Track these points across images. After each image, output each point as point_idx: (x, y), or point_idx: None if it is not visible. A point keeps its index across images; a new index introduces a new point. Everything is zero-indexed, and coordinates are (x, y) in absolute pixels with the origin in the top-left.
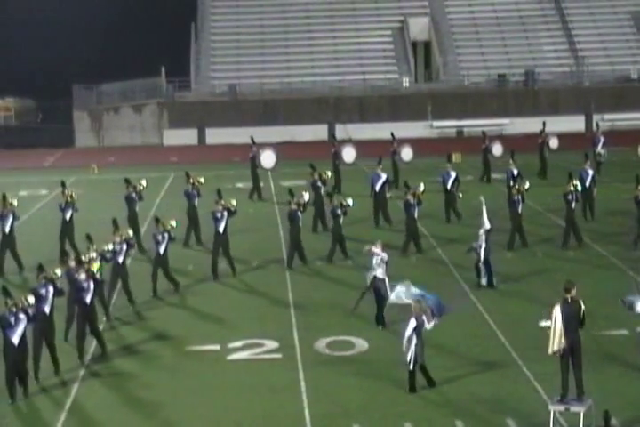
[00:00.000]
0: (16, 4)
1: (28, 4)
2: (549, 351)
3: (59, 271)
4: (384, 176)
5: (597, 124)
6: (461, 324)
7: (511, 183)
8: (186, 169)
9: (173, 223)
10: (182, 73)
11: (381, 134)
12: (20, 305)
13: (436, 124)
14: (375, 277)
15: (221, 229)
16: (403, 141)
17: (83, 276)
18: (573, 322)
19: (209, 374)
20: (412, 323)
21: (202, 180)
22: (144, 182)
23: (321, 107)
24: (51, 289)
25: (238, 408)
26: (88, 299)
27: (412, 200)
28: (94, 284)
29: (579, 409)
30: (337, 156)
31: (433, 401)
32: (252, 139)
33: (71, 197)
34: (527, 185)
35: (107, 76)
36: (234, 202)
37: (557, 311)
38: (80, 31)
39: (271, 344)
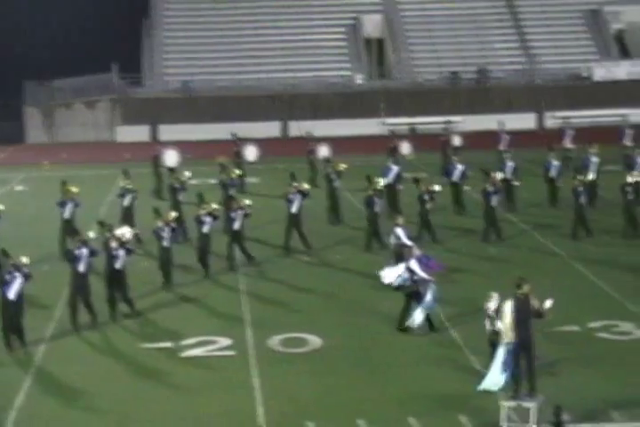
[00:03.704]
0: None
1: None
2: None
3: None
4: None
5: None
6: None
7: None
8: (136, 166)
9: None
10: (135, 69)
11: (335, 131)
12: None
13: (389, 121)
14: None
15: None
16: (320, 140)
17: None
18: (525, 318)
19: (162, 371)
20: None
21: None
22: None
23: (274, 104)
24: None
25: (192, 406)
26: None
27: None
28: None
29: (530, 405)
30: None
31: (386, 398)
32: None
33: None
34: (437, 187)
35: (59, 72)
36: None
37: (508, 307)
38: (32, 27)
39: (225, 341)
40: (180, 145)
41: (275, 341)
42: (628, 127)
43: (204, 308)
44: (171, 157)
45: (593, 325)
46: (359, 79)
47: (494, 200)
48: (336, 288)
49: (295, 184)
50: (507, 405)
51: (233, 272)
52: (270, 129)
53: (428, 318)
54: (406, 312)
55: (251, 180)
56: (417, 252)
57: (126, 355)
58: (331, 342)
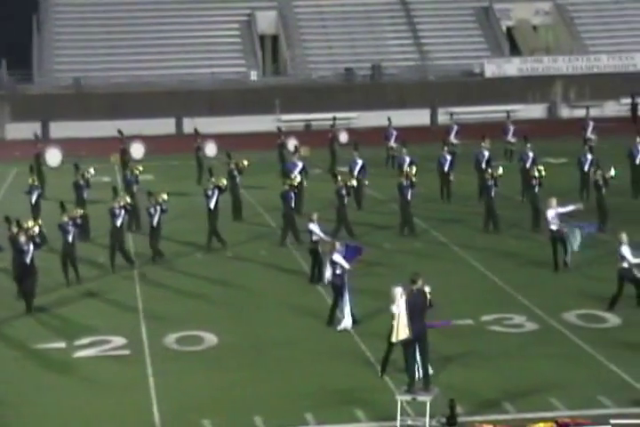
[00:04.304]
0: None
1: None
2: (393, 340)
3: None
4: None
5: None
6: (312, 316)
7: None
8: (28, 163)
9: (165, 197)
10: (25, 65)
11: (230, 128)
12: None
13: (285, 117)
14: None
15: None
16: (206, 137)
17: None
18: (419, 312)
19: (55, 372)
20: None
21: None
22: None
23: (170, 101)
24: (122, 212)
25: (86, 406)
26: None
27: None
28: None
29: (425, 399)
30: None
31: (283, 394)
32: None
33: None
34: (355, 182)
35: None
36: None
37: (403, 302)
38: None
39: (119, 341)
40: (71, 143)
41: (170, 339)
42: (511, 123)
43: (99, 306)
44: (53, 156)
45: (486, 318)
46: (254, 76)
47: (409, 194)
48: (233, 285)
49: (213, 179)
50: (402, 399)
51: (129, 270)
52: (165, 126)
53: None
54: (333, 311)
55: (145, 177)
56: (338, 246)
57: (18, 356)
58: (227, 340)
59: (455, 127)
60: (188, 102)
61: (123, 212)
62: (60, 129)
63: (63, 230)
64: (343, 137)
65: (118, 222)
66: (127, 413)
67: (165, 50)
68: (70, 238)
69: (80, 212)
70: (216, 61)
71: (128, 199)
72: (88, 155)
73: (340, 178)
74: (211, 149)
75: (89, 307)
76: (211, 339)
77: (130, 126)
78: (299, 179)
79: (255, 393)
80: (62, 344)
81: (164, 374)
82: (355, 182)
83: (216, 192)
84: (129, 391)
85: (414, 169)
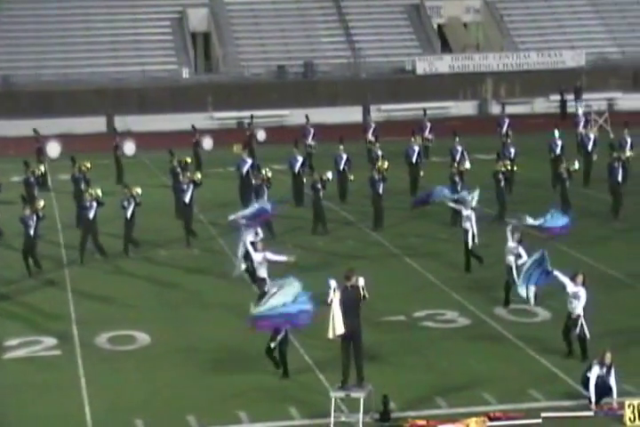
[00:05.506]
0: None
1: None
2: (329, 336)
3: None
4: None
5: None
6: (246, 316)
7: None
8: None
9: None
10: None
11: (162, 126)
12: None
13: (217, 115)
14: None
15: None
16: (124, 135)
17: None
18: (353, 309)
19: None
20: None
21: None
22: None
23: (100, 99)
24: (93, 205)
25: (17, 408)
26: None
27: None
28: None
29: (359, 395)
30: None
31: (216, 393)
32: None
33: None
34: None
35: None
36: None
37: (337, 298)
38: None
39: (50, 341)
40: None
41: (102, 339)
42: (427, 120)
43: (29, 306)
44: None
45: (418, 314)
46: (186, 73)
47: (381, 188)
48: (168, 285)
49: (188, 174)
50: (336, 396)
51: (59, 269)
52: (96, 124)
53: None
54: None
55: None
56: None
57: None
58: (159, 339)
59: (372, 125)
60: (118, 100)
61: (95, 204)
62: None
63: (25, 224)
64: (261, 135)
65: (91, 215)
66: (58, 414)
67: (95, 47)
68: (32, 232)
69: (42, 204)
70: (147, 59)
71: (99, 192)
72: (15, 154)
73: (315, 172)
74: (130, 148)
75: (18, 307)
76: (144, 338)
77: (59, 125)
78: (270, 173)
79: (188, 392)
80: None
81: (96, 375)
82: (329, 176)
83: (191, 186)
84: (60, 392)
85: (386, 163)
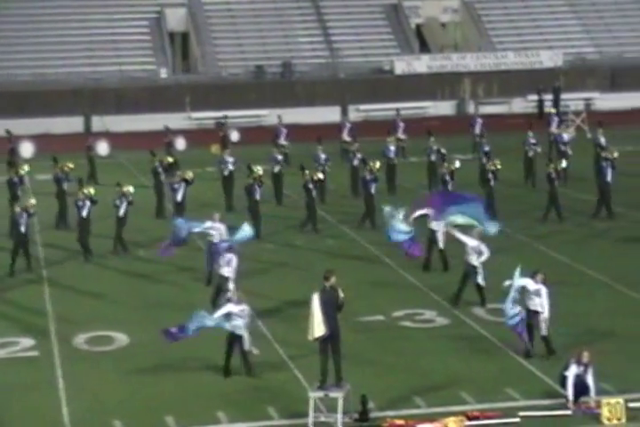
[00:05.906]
0: None
1: None
2: (310, 338)
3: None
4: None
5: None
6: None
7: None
8: None
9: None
10: None
11: (140, 126)
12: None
13: (195, 115)
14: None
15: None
16: (98, 135)
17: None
18: (332, 309)
19: None
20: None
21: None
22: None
23: (76, 99)
24: (86, 203)
25: None
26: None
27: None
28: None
29: (337, 395)
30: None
31: (194, 394)
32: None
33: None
34: (322, 175)
35: None
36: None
37: (316, 299)
38: None
39: (27, 342)
40: None
41: (80, 339)
42: (401, 120)
43: (7, 307)
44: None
45: (397, 314)
46: (164, 73)
47: (373, 188)
48: (147, 285)
49: (179, 173)
50: (314, 395)
51: (37, 269)
52: (72, 124)
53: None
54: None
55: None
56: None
57: None
58: (137, 340)
59: (347, 125)
60: (95, 100)
61: (88, 203)
62: None
63: (16, 222)
64: (234, 136)
65: (84, 213)
66: (36, 415)
67: (72, 47)
68: (23, 229)
69: (32, 202)
70: (124, 59)
71: (92, 191)
72: None
73: (307, 172)
74: (103, 148)
75: None
76: (122, 339)
77: (36, 125)
78: (261, 171)
79: (166, 393)
80: None
81: (74, 375)
82: (321, 176)
83: (182, 185)
84: (38, 393)
85: (377, 163)
